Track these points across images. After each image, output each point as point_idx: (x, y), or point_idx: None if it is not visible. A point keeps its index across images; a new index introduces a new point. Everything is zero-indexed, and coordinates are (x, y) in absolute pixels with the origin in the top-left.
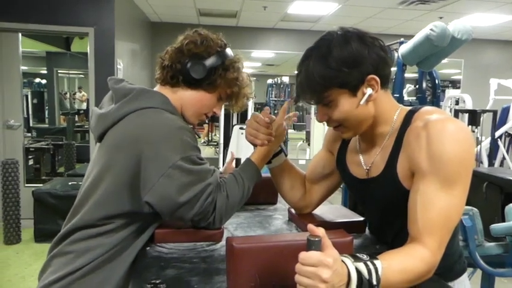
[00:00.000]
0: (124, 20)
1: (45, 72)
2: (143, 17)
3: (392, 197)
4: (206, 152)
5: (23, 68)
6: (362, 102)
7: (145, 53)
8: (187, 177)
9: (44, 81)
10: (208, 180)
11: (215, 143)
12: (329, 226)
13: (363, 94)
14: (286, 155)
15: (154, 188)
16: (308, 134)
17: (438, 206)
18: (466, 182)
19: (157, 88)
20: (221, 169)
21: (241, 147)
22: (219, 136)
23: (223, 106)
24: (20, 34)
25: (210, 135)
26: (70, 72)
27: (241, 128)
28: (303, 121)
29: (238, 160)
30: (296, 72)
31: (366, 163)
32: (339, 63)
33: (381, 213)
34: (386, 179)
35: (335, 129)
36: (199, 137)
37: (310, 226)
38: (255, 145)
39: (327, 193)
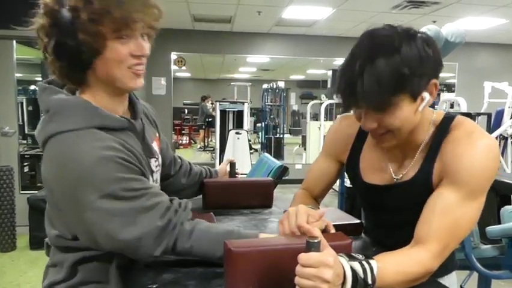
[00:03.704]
0: None
1: (40, 79)
2: None
3: (421, 203)
4: (202, 157)
5: (18, 75)
6: (420, 108)
7: None
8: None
9: None
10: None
11: (211, 149)
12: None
13: (422, 100)
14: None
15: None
16: (304, 138)
17: (456, 215)
18: (484, 197)
19: (78, 94)
20: (217, 167)
21: (237, 152)
22: (215, 141)
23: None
24: (14, 41)
25: (206, 141)
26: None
27: (237, 133)
28: (299, 126)
29: (233, 164)
30: (346, 74)
31: (396, 173)
32: (411, 64)
33: (398, 218)
34: (417, 184)
35: (376, 137)
36: (195, 142)
37: (307, 227)
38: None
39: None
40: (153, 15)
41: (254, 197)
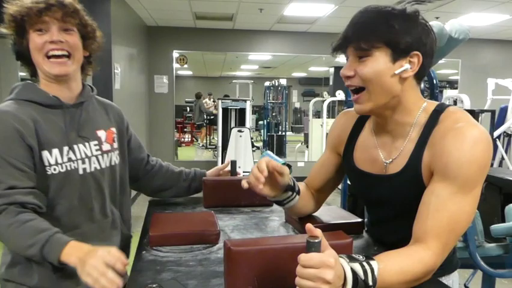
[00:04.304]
0: (121, 24)
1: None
2: (139, 22)
3: (411, 194)
4: (204, 155)
5: (21, 74)
6: (396, 71)
7: (142, 57)
8: None
9: None
10: None
11: (213, 147)
12: (327, 227)
13: (401, 67)
14: (299, 194)
15: None
16: (306, 136)
17: (451, 210)
18: (480, 189)
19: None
20: (209, 171)
21: (239, 150)
22: (217, 139)
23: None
24: None
25: (208, 138)
26: None
27: (239, 131)
28: (301, 123)
29: (233, 162)
30: (353, 18)
31: (386, 158)
32: (397, 22)
33: (393, 211)
34: (408, 175)
35: (353, 98)
36: (197, 140)
37: (309, 226)
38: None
39: (331, 192)
40: (63, 9)
41: (255, 195)
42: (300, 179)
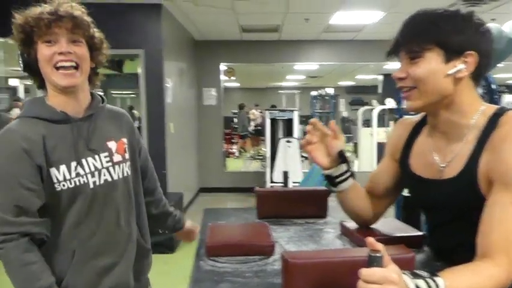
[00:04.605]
0: (171, 40)
1: (100, 93)
2: (188, 37)
3: (467, 199)
4: (253, 166)
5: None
6: (450, 71)
7: (192, 71)
8: None
9: None
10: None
11: (261, 157)
12: (387, 241)
13: (454, 67)
14: (354, 177)
15: None
16: (356, 145)
17: None
18: None
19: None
20: (267, 177)
21: (288, 161)
22: (266, 150)
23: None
24: None
25: (255, 149)
26: (123, 92)
27: (287, 141)
28: (349, 132)
29: (285, 173)
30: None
31: (441, 161)
32: (450, 22)
33: (449, 215)
34: (464, 179)
35: (404, 94)
36: (245, 151)
37: (370, 240)
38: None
39: (390, 204)
40: (72, 21)
41: (308, 206)
42: None
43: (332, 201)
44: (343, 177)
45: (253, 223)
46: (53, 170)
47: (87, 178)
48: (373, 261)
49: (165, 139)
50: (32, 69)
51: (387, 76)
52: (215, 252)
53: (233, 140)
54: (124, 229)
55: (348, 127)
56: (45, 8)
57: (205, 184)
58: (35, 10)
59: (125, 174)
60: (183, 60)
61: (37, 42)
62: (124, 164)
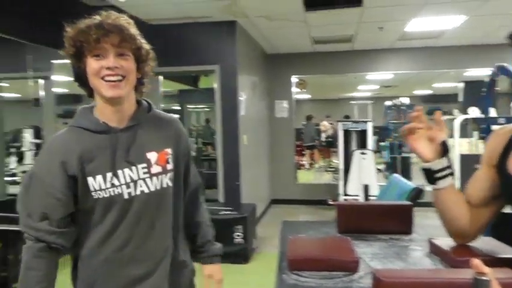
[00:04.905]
0: (244, 55)
1: (178, 108)
2: (260, 51)
3: None
4: (324, 178)
5: (161, 106)
6: None
7: (263, 84)
8: (26, 189)
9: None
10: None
11: (333, 169)
12: (491, 262)
13: None
14: (453, 177)
15: None
16: None
17: None
18: None
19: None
20: (340, 189)
21: (363, 173)
22: (339, 162)
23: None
24: (160, 76)
25: (326, 161)
26: (197, 106)
27: (362, 153)
28: None
29: (366, 186)
30: None
31: None
32: None
33: None
34: None
35: None
36: (314, 163)
37: (476, 262)
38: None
39: (490, 220)
40: (119, 35)
41: (392, 221)
42: (431, 204)
43: (417, 217)
44: (443, 173)
45: (335, 237)
46: (90, 179)
47: (121, 189)
48: (480, 285)
49: (239, 151)
50: (82, 80)
51: (470, 83)
52: (297, 266)
53: (304, 152)
54: (158, 240)
55: None
56: (94, 20)
57: (277, 196)
58: (85, 23)
59: (164, 186)
60: (255, 74)
61: (87, 56)
62: (163, 175)
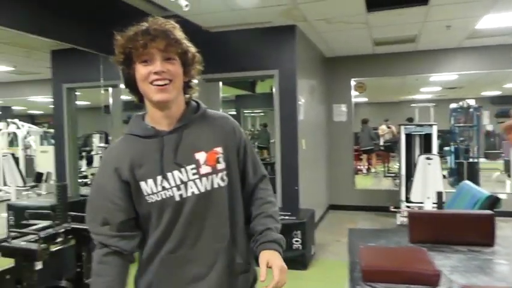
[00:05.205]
0: (303, 59)
1: (234, 113)
2: (319, 54)
3: None
4: (383, 183)
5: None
6: None
7: (321, 88)
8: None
9: None
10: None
11: (393, 174)
12: None
13: None
14: None
15: None
16: (508, 163)
17: None
18: None
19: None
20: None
21: (428, 179)
22: (400, 167)
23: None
24: (220, 82)
25: (385, 166)
26: (254, 111)
27: (427, 158)
28: (496, 148)
29: (439, 194)
30: None
31: None
32: None
33: None
34: None
35: None
36: (372, 168)
37: None
38: None
39: None
40: (165, 40)
41: (470, 232)
42: (505, 213)
43: (500, 228)
44: None
45: (409, 248)
46: (143, 184)
47: (172, 192)
48: None
49: (298, 155)
50: (131, 86)
51: None
52: (372, 278)
53: (361, 157)
54: (211, 241)
55: (493, 142)
56: (141, 27)
57: (335, 201)
58: (132, 30)
59: (215, 186)
60: (314, 78)
61: (135, 62)
62: (213, 175)
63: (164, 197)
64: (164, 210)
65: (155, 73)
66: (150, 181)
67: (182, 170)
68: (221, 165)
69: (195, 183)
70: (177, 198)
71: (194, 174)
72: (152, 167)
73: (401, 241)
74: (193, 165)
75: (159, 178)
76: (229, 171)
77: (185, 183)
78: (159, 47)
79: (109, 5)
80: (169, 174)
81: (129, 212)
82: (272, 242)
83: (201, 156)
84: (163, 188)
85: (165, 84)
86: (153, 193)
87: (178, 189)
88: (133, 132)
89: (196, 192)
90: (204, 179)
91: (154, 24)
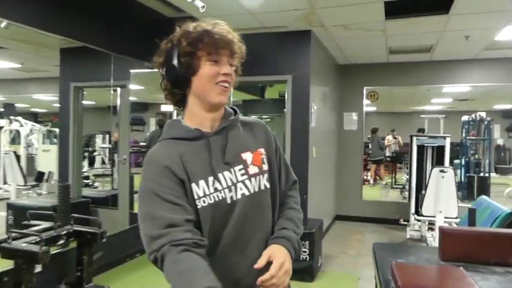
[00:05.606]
0: (317, 65)
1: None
2: (332, 61)
3: None
4: (390, 195)
5: None
6: None
7: (334, 95)
8: (141, 208)
9: None
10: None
11: (400, 186)
12: None
13: None
14: None
15: None
16: None
17: None
18: None
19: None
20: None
21: (441, 193)
22: (410, 179)
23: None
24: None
25: (392, 178)
26: (262, 116)
27: (441, 171)
28: (506, 163)
29: (472, 211)
30: None
31: None
32: None
33: None
34: None
35: None
36: (381, 179)
37: None
38: None
39: None
40: (233, 47)
41: (507, 251)
42: None
43: None
44: None
45: (445, 266)
46: (194, 186)
47: (224, 193)
48: None
49: (308, 163)
50: (181, 83)
51: None
52: None
53: (368, 167)
54: (260, 245)
55: (503, 157)
56: (219, 26)
57: (342, 212)
58: (211, 25)
59: (262, 188)
60: (326, 85)
61: (201, 59)
62: (260, 176)
63: (217, 199)
64: (215, 213)
65: (224, 74)
66: (202, 182)
67: (232, 170)
68: (265, 166)
69: (245, 184)
70: (228, 201)
71: (243, 174)
72: (203, 168)
73: (431, 258)
74: (241, 166)
75: (211, 179)
76: (271, 173)
77: (235, 185)
78: (229, 52)
79: (123, 5)
80: (220, 175)
81: (188, 212)
82: (282, 238)
83: (247, 156)
84: (215, 190)
85: (227, 87)
86: (205, 195)
87: (230, 190)
88: (175, 135)
89: (247, 193)
90: (252, 179)
91: (223, 29)
